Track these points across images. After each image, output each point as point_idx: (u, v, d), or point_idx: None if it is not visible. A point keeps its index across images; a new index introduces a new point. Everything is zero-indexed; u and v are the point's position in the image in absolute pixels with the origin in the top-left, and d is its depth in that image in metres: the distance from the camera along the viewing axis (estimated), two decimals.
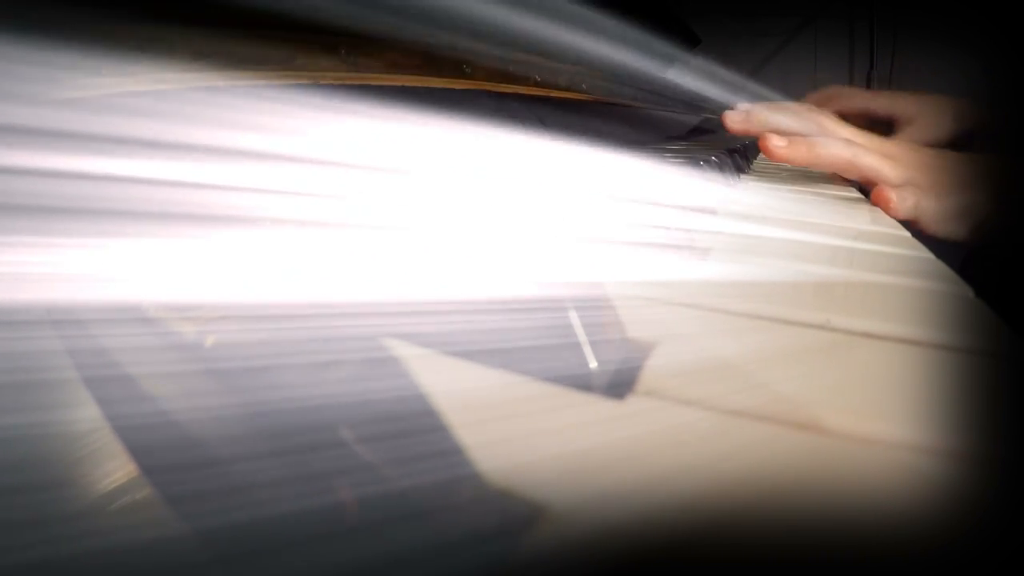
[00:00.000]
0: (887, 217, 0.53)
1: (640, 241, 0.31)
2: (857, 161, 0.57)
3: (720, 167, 0.59)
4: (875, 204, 0.55)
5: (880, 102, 0.70)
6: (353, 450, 0.14)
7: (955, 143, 0.73)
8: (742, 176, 0.64)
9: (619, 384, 0.18)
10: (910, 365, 0.20)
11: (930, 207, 0.55)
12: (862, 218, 0.49)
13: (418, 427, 0.15)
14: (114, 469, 0.13)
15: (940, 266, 0.33)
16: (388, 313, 0.19)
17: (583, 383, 0.17)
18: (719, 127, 0.69)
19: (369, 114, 0.27)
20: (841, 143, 0.58)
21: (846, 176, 0.62)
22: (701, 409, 0.17)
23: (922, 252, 0.37)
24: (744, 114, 0.63)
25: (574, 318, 0.18)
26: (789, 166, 0.65)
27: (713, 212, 0.43)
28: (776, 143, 0.58)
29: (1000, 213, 0.56)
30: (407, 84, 0.33)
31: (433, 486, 0.13)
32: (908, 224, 0.56)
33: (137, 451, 0.13)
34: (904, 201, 0.54)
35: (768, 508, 0.13)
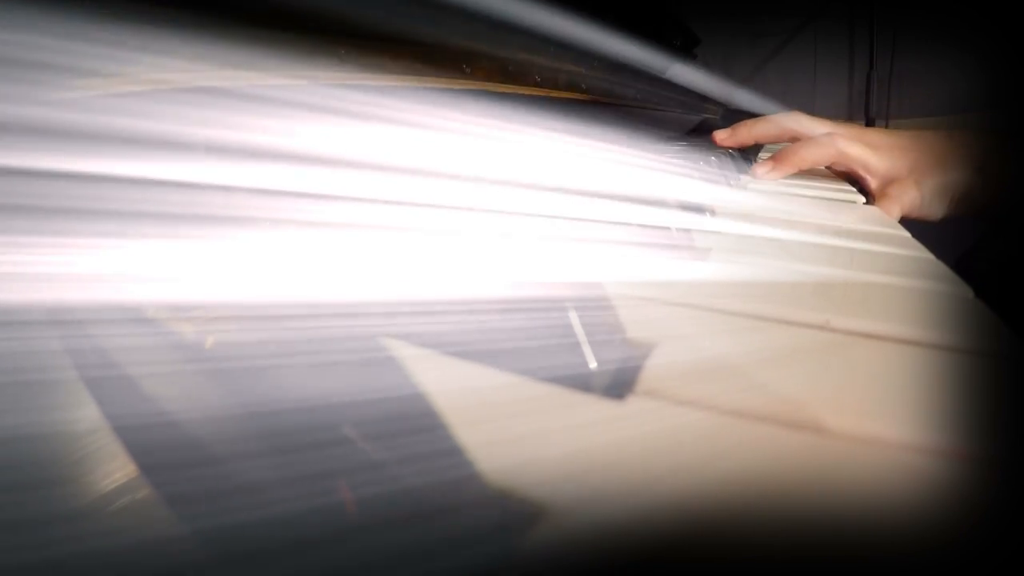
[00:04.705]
0: (886, 217, 0.53)
1: (640, 241, 0.31)
2: (843, 152, 0.60)
3: (720, 167, 0.59)
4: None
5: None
6: (353, 450, 0.14)
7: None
8: (742, 176, 0.64)
9: (619, 384, 0.18)
10: (910, 365, 0.20)
11: (914, 197, 0.58)
12: (862, 218, 0.49)
13: (418, 427, 0.15)
14: (114, 469, 0.13)
15: (940, 266, 0.33)
16: (388, 313, 0.19)
17: (583, 383, 0.17)
18: (719, 127, 0.70)
19: (369, 114, 0.27)
20: (823, 140, 0.61)
21: (836, 167, 0.64)
22: (701, 409, 0.17)
23: (922, 252, 0.37)
24: (729, 131, 0.67)
25: (574, 318, 0.18)
26: None
27: (713, 212, 0.44)
28: (763, 170, 0.62)
29: (974, 187, 0.59)
30: (407, 83, 0.33)
31: (433, 485, 0.13)
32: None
33: (137, 451, 0.13)
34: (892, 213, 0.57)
35: (768, 508, 0.13)
